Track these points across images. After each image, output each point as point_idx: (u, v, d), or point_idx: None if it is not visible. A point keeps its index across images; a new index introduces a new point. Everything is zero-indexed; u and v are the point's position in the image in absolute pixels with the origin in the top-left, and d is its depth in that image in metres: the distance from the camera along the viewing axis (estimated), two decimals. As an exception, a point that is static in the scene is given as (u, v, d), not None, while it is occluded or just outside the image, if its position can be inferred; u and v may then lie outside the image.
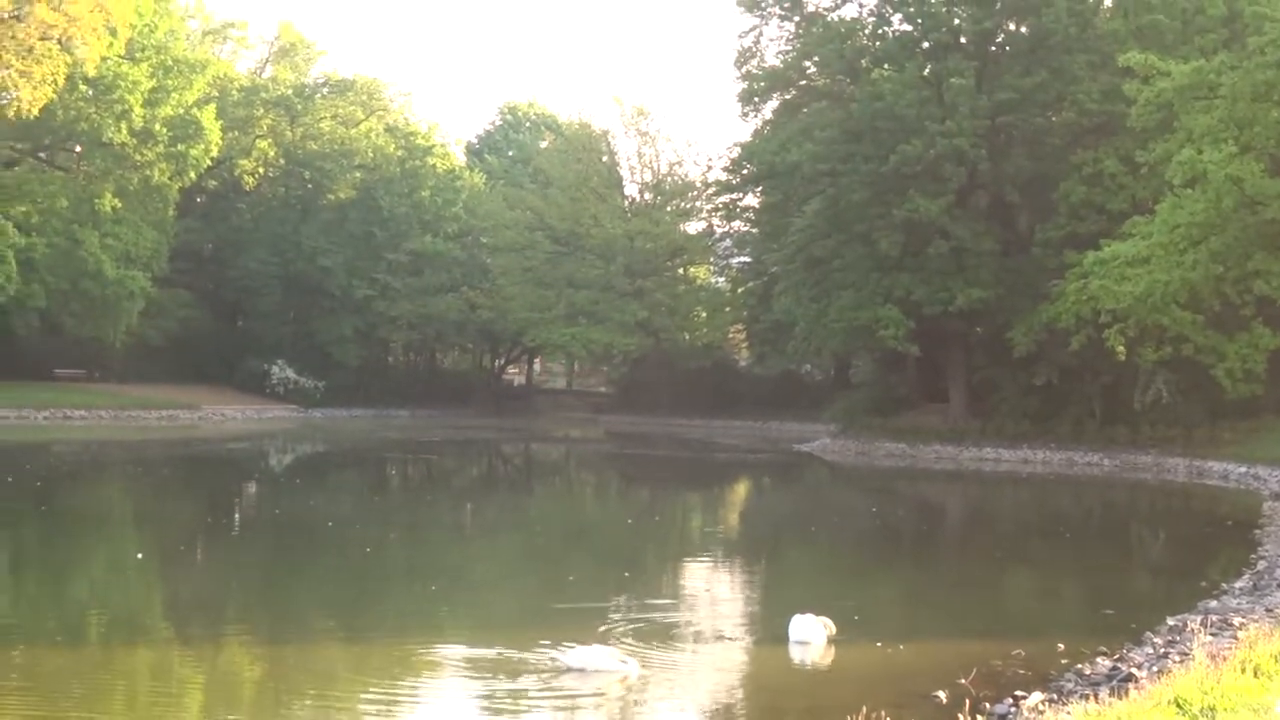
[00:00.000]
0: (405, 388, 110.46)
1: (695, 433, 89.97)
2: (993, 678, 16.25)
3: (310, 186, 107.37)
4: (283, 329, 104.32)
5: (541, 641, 17.83)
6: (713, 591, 26.02)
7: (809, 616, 18.52)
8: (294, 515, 36.30)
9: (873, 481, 58.08)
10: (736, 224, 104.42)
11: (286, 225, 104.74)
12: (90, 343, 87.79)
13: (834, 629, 18.41)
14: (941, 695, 15.09)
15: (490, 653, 17.62)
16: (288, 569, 26.91)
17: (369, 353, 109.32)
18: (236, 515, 36.88)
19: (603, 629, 19.52)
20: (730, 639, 20.03)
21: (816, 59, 73.30)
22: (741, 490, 54.46)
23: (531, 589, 24.65)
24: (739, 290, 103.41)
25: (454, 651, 17.98)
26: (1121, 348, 55.20)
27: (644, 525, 38.31)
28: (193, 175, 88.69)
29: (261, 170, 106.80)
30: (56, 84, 70.27)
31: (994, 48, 69.50)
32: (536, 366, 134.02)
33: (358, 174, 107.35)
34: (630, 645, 18.02)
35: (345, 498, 42.89)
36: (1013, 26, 69.78)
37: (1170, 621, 19.46)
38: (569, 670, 16.44)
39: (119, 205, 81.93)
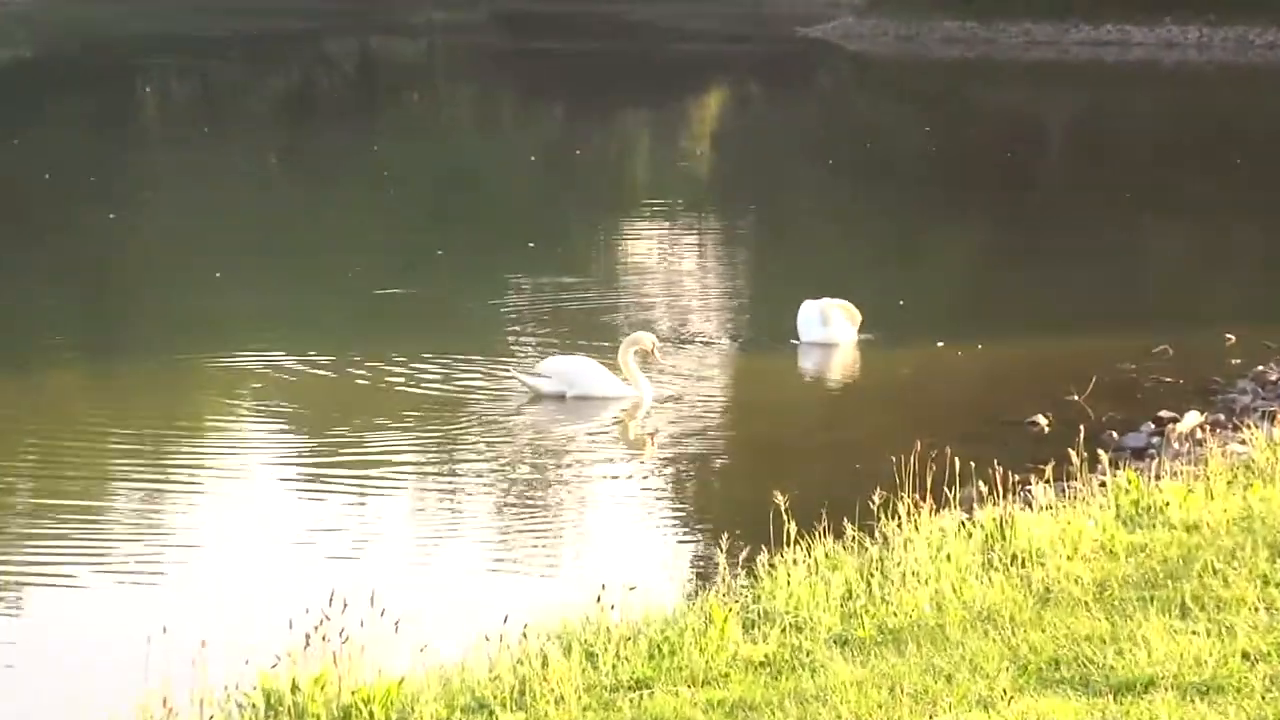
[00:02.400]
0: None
1: (640, 12, 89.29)
2: (1122, 391, 16.35)
3: None
4: None
5: (390, 354, 17.75)
6: (674, 268, 26.04)
7: (826, 301, 18.46)
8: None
9: (924, 83, 58.12)
10: None
11: None
12: None
13: (860, 319, 18.36)
14: (1041, 420, 15.20)
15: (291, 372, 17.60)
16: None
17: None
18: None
19: (503, 330, 19.56)
20: (708, 341, 19.91)
21: None
22: (714, 105, 54.39)
23: (378, 267, 24.33)
24: None
25: (235, 366, 17.93)
26: None
27: (557, 165, 38.28)
28: None
29: None
30: None
31: None
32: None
33: None
34: (551, 354, 17.74)
35: (70, 134, 42.56)
36: None
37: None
38: (535, 394, 16.38)
39: None
